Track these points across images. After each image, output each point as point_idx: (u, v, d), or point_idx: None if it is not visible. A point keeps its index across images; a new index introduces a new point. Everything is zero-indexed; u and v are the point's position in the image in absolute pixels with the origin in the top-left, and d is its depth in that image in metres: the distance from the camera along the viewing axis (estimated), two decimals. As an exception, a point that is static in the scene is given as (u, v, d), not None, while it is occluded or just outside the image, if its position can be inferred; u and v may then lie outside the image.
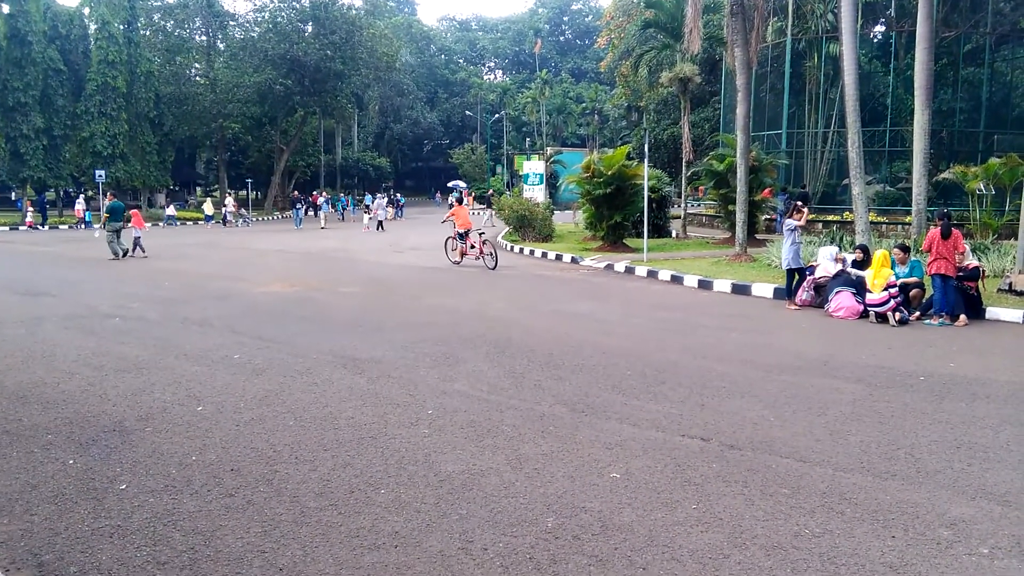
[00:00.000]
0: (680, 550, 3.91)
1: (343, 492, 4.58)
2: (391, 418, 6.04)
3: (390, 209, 35.97)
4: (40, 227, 36.31)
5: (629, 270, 17.28)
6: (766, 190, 23.82)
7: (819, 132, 28.94)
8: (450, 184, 69.13)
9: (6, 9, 39.43)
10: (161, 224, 39.93)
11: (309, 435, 5.62)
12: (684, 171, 27.57)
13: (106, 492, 4.58)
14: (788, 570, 3.72)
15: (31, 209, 37.29)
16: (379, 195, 43.36)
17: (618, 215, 21.22)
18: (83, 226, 37.66)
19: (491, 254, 17.86)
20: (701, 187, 34.28)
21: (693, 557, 3.84)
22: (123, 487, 4.66)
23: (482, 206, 55.45)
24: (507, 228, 28.85)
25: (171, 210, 42.26)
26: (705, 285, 14.70)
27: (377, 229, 34.11)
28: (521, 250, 23.05)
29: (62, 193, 48.37)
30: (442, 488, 4.64)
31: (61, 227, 37.42)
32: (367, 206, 42.71)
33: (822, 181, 28.98)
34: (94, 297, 12.83)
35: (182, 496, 4.52)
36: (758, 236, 22.98)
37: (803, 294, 12.47)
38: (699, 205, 39.28)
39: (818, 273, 12.46)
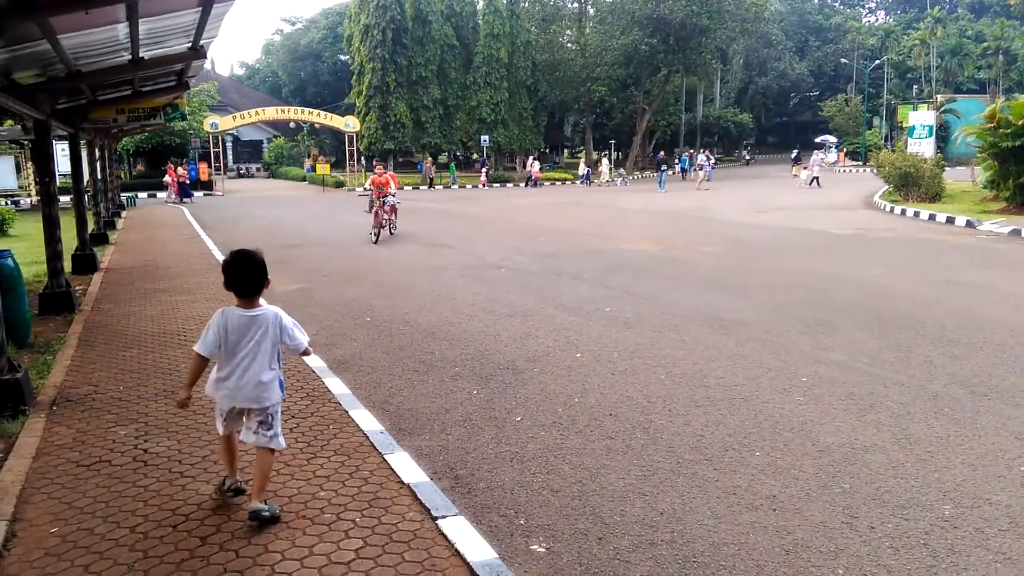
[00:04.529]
0: (1119, 567, 3.33)
1: (717, 449, 4.65)
2: (762, 382, 5.95)
3: (815, 168, 33.77)
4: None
5: (1043, 236, 14.72)
6: None
7: None
8: (818, 139, 64.53)
9: (412, -7, 45.35)
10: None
11: (680, 390, 5.77)
12: None
13: (505, 422, 5.20)
14: None
15: (484, 170, 42.42)
16: (817, 152, 40.75)
17: (1030, 172, 18.13)
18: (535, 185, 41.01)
19: (390, 220, 17.16)
20: None
21: None
22: (518, 419, 5.24)
23: (856, 162, 51.03)
24: (886, 187, 26.24)
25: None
26: None
27: (811, 184, 32.91)
28: (903, 211, 20.82)
29: (452, 156, 54.84)
30: (821, 459, 4.48)
31: (467, 187, 42.08)
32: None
33: None
34: (483, 249, 14.40)
35: (568, 433, 4.96)
36: None
37: None
38: None
39: None
